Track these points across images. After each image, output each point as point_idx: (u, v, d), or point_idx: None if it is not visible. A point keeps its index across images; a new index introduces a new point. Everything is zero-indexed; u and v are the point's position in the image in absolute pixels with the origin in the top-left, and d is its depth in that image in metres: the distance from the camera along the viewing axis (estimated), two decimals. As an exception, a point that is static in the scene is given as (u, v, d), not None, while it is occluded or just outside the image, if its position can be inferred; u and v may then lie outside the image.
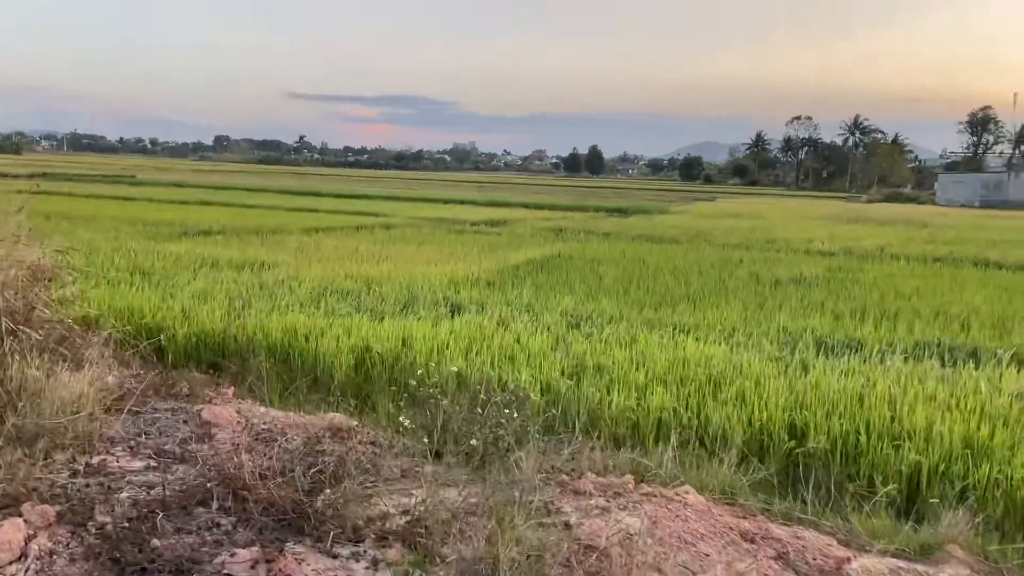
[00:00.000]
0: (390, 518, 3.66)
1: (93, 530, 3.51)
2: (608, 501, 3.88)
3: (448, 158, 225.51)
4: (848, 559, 3.85)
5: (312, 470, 4.00)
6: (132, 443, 4.85)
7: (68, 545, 3.38)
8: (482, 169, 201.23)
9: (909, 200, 77.01)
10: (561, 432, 5.85)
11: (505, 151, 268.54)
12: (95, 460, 4.45)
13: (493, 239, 20.72)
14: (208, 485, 4.02)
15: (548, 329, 8.94)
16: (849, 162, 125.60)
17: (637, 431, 6.30)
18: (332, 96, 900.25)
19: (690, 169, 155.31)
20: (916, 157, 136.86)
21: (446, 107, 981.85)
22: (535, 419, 5.42)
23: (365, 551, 3.43)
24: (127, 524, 3.57)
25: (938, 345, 8.80)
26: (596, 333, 8.92)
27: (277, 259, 14.54)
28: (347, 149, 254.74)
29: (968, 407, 6.28)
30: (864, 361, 8.10)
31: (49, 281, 5.67)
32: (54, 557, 3.28)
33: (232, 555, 3.32)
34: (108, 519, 3.61)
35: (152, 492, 4.00)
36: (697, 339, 8.82)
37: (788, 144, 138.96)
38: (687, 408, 6.43)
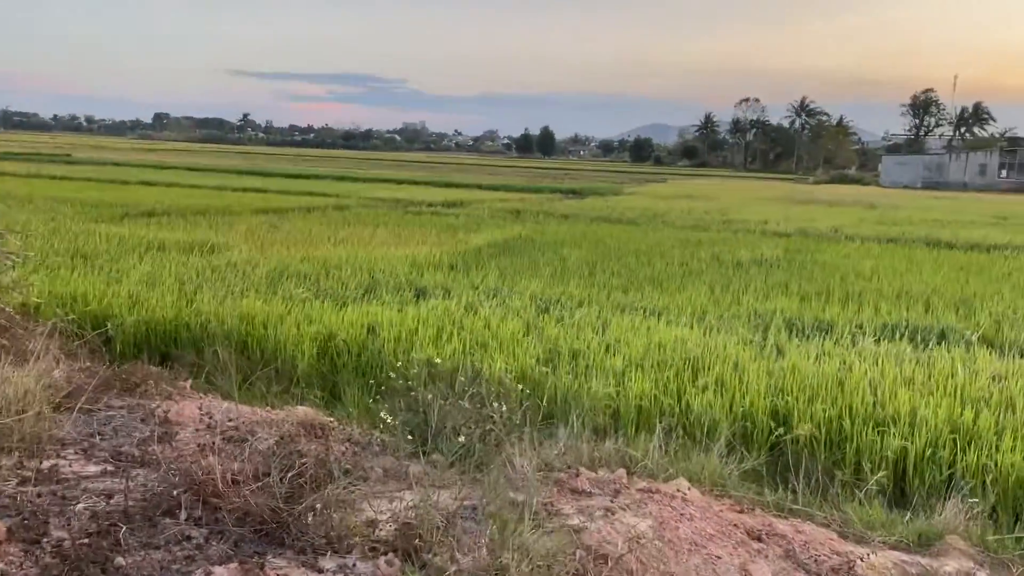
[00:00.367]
0: (379, 525, 3.37)
1: (49, 548, 3.14)
2: (611, 501, 3.65)
3: (398, 138, 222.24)
4: (855, 554, 3.72)
5: (289, 473, 3.67)
6: (85, 445, 4.45)
7: (21, 566, 3.01)
8: (433, 149, 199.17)
9: (854, 182, 78.75)
10: (541, 423, 5.63)
11: (456, 131, 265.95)
12: (45, 465, 4.05)
13: (451, 220, 20.35)
14: (174, 492, 3.66)
15: (518, 314, 8.70)
16: (796, 144, 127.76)
17: (618, 419, 6.13)
18: (278, 74, 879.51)
19: (640, 150, 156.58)
20: (860, 139, 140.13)
21: (395, 85, 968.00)
22: (517, 410, 5.18)
23: (354, 564, 3.14)
24: (86, 540, 3.20)
25: (906, 326, 8.82)
26: (567, 317, 8.72)
27: (227, 241, 13.97)
28: (293, 128, 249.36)
29: (948, 390, 6.25)
30: (836, 343, 8.08)
31: (-15, 267, 5.20)
32: (5, 581, 2.92)
33: (208, 573, 2.99)
34: (65, 534, 3.24)
35: (112, 501, 3.62)
36: (669, 322, 8.70)
37: (736, 126, 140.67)
38: (667, 394, 6.28)
